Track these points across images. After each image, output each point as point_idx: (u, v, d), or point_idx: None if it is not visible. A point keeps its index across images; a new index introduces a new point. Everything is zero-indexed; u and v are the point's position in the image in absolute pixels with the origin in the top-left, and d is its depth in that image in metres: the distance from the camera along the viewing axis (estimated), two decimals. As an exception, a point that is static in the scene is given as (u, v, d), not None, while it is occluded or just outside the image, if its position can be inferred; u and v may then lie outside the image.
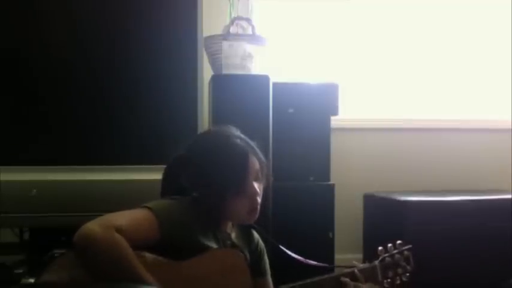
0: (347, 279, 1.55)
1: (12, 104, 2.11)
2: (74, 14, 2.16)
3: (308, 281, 1.52)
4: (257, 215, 1.47)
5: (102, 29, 2.17)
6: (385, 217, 2.86)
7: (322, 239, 2.55)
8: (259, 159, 1.48)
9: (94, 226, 1.19)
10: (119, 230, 1.21)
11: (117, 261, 1.19)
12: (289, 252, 1.60)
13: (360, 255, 2.99)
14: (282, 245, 1.61)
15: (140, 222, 1.28)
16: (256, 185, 1.45)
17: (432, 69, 3.41)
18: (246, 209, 1.45)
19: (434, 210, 2.73)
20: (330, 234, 2.57)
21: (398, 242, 1.70)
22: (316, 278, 1.54)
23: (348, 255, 2.83)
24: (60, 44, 2.14)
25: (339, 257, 2.58)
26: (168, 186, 1.50)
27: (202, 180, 1.43)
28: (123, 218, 1.26)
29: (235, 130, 1.51)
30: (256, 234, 1.60)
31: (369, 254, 2.91)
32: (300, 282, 1.51)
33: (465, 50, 3.44)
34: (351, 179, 3.10)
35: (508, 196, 2.84)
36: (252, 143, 1.49)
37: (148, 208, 1.31)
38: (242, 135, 1.50)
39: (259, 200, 1.46)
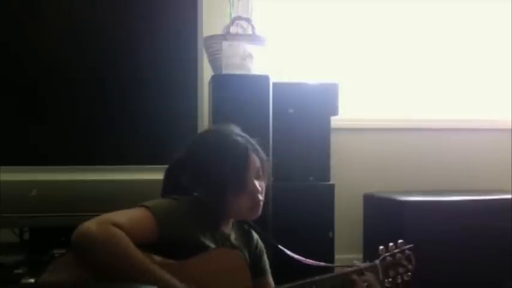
0: (356, 277, 1.55)
1: (13, 103, 2.11)
2: (74, 13, 2.16)
3: (308, 280, 1.52)
4: (259, 212, 1.47)
5: (102, 28, 2.17)
6: (385, 217, 2.86)
7: (322, 239, 2.55)
8: (260, 157, 1.48)
9: (91, 224, 1.20)
10: (116, 226, 1.21)
11: (117, 255, 1.19)
12: (289, 252, 1.60)
13: (360, 255, 2.99)
14: (282, 245, 1.61)
15: (138, 220, 1.28)
16: (257, 182, 1.45)
17: (432, 69, 3.40)
18: (247, 206, 1.45)
19: (434, 210, 2.73)
20: (330, 234, 2.57)
21: (400, 241, 1.69)
22: (316, 278, 1.53)
23: (348, 255, 2.83)
24: (60, 43, 2.14)
25: (339, 257, 2.58)
26: (169, 186, 1.50)
27: (203, 178, 1.43)
28: (121, 216, 1.26)
29: (235, 128, 1.51)
30: (255, 235, 1.60)
31: (369, 254, 2.91)
32: (301, 281, 1.51)
33: (465, 50, 3.44)
34: (351, 179, 3.10)
35: (508, 196, 2.84)
36: (253, 141, 1.49)
37: (146, 207, 1.32)
38: (243, 133, 1.50)
39: (261, 197, 1.46)
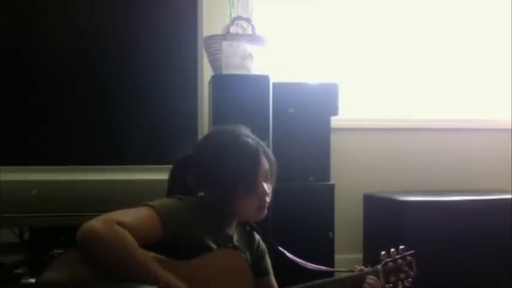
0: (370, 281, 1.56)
1: (12, 103, 2.11)
2: (75, 14, 2.16)
3: (309, 284, 1.52)
4: (265, 214, 1.48)
5: (102, 28, 2.17)
6: (385, 217, 2.86)
7: (322, 239, 2.55)
8: (269, 159, 1.48)
9: (96, 222, 1.21)
10: (121, 225, 1.22)
11: (121, 253, 1.19)
12: (290, 256, 1.60)
13: (360, 256, 2.99)
14: (282, 245, 1.61)
15: (143, 220, 1.29)
16: (265, 185, 1.45)
17: (432, 69, 3.40)
18: (254, 207, 1.45)
19: (434, 210, 2.73)
20: (330, 234, 2.57)
21: (401, 247, 1.69)
22: (318, 281, 1.54)
23: (347, 256, 2.84)
24: (60, 43, 2.14)
25: (339, 257, 2.58)
26: (174, 185, 1.49)
27: (211, 178, 1.42)
28: (126, 215, 1.26)
29: (244, 129, 1.50)
30: (257, 235, 1.60)
31: (369, 254, 2.92)
32: (302, 285, 1.50)
33: (465, 49, 3.44)
34: (351, 179, 3.10)
35: (508, 196, 2.84)
36: (263, 143, 1.49)
37: (151, 206, 1.32)
38: (252, 135, 1.49)
39: (268, 199, 1.46)
